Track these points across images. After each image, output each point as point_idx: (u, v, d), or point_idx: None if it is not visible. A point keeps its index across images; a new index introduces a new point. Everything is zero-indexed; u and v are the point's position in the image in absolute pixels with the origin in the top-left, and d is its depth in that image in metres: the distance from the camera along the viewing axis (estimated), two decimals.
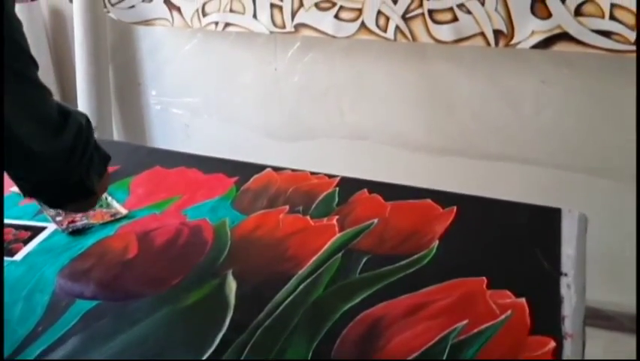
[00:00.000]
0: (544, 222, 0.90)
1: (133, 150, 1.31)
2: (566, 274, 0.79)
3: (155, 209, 0.99)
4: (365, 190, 1.02)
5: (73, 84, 1.83)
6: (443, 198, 0.98)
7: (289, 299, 0.77)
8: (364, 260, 0.84)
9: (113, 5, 1.66)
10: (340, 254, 0.85)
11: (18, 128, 0.64)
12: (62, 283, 0.81)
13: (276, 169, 1.11)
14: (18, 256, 0.87)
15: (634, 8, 1.16)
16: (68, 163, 0.71)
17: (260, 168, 1.12)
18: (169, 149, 1.35)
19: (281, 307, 0.75)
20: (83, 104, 1.82)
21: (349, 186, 1.04)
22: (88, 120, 0.75)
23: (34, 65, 0.68)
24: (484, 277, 0.78)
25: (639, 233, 1.21)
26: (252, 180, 1.08)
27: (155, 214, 0.98)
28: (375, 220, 0.93)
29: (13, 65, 0.63)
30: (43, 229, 0.93)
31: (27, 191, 0.75)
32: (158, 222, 0.95)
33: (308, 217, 0.95)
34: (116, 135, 2.00)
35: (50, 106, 0.69)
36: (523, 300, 0.74)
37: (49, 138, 0.68)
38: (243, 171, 1.11)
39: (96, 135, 0.78)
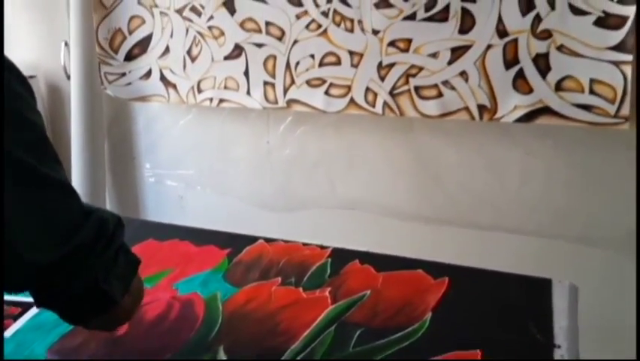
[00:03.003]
0: (535, 294, 0.91)
1: (125, 223, 1.31)
2: (559, 346, 0.79)
3: (147, 283, 0.98)
4: (357, 261, 1.02)
5: (68, 157, 1.85)
6: (434, 268, 0.98)
7: None
8: (357, 333, 0.83)
9: (110, 83, 1.71)
10: (333, 327, 0.85)
11: (17, 239, 0.56)
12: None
13: (269, 240, 1.12)
14: (7, 333, 0.85)
15: (613, 83, 1.21)
16: (82, 263, 0.61)
17: (252, 239, 1.12)
18: (162, 221, 1.36)
19: None
20: (76, 177, 1.84)
21: (341, 257, 1.04)
22: (118, 220, 0.67)
23: (57, 161, 0.61)
24: (477, 350, 0.78)
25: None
26: (244, 251, 1.08)
27: (146, 288, 0.97)
28: (368, 292, 0.93)
29: (37, 166, 0.57)
30: (33, 304, 0.92)
31: (37, 302, 0.66)
32: (149, 296, 0.94)
33: (300, 289, 0.95)
34: (109, 208, 2.01)
35: (67, 209, 0.61)
36: None
37: (56, 243, 0.59)
38: (235, 242, 1.11)
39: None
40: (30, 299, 0.91)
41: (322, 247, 1.08)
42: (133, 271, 0.70)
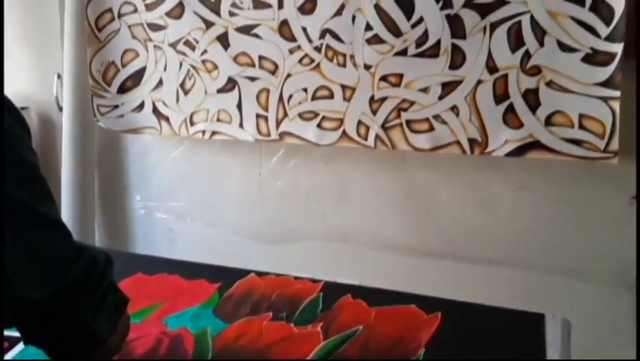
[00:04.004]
0: (527, 328, 0.90)
1: (114, 256, 1.30)
2: None
3: (136, 318, 0.97)
4: (349, 295, 1.02)
5: (58, 188, 1.84)
6: (427, 303, 0.98)
7: None
8: None
9: (102, 115, 1.72)
10: None
11: (9, 275, 0.56)
12: None
13: (260, 274, 1.11)
14: None
15: (601, 118, 1.23)
16: (72, 302, 0.61)
17: (243, 273, 1.11)
18: (152, 254, 1.34)
19: None
20: (66, 208, 1.82)
21: (333, 291, 1.03)
22: (108, 258, 0.67)
23: (50, 199, 0.62)
24: None
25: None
26: (235, 285, 1.07)
27: (136, 323, 0.95)
28: (360, 327, 0.92)
29: (31, 204, 0.58)
30: (20, 339, 0.90)
31: (25, 338, 0.65)
32: (137, 331, 0.93)
33: (292, 324, 0.94)
34: (99, 240, 1.99)
35: (60, 247, 0.62)
36: None
37: (48, 281, 0.59)
38: (226, 276, 1.10)
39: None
40: (17, 334, 0.90)
41: (314, 281, 1.07)
42: (121, 311, 0.71)
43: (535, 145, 1.29)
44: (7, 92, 0.63)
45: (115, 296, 0.69)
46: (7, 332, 0.90)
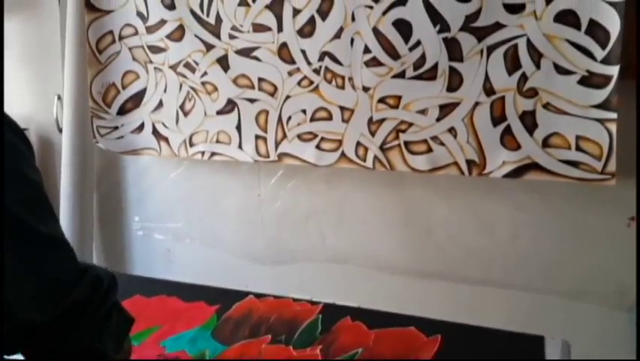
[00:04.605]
0: (527, 351, 0.90)
1: None
2: None
3: (134, 340, 0.96)
4: (348, 317, 1.01)
5: (57, 209, 1.84)
6: (427, 325, 0.97)
7: None
8: None
9: (102, 136, 1.72)
10: None
11: (11, 297, 0.55)
12: None
13: (258, 296, 1.10)
14: None
15: (598, 140, 1.23)
16: (76, 322, 0.60)
17: (242, 295, 1.11)
18: (150, 275, 1.34)
19: None
20: (64, 229, 1.79)
21: (332, 313, 1.03)
22: (112, 278, 0.67)
23: (53, 218, 0.62)
24: None
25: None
26: (233, 307, 1.07)
27: (133, 346, 0.95)
28: (360, 350, 0.92)
29: (34, 224, 0.58)
30: None
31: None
32: (136, 354, 0.92)
33: (290, 347, 0.94)
34: (97, 261, 1.98)
35: (63, 267, 0.61)
36: None
37: (51, 303, 0.58)
38: (224, 298, 1.10)
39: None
40: (19, 357, 0.89)
41: (313, 303, 1.07)
42: (126, 330, 0.70)
43: (533, 167, 1.30)
44: (7, 113, 0.63)
45: (120, 316, 0.68)
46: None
